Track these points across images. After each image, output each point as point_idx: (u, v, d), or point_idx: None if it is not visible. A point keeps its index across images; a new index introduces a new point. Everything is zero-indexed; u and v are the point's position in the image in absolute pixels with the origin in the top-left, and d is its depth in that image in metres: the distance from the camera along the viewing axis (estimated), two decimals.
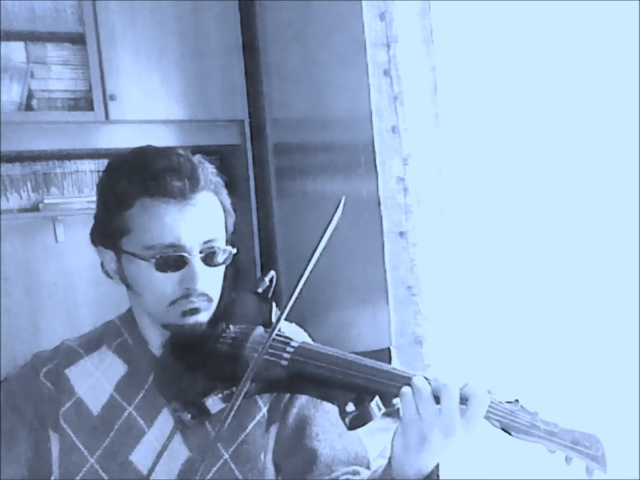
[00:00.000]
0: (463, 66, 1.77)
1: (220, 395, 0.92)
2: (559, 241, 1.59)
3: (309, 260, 0.91)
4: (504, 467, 1.49)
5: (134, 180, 1.01)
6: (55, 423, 1.07)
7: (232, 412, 0.85)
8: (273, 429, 1.06)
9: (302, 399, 1.06)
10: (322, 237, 0.91)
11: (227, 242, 1.07)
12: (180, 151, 1.05)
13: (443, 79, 1.83)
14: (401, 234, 1.91)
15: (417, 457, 0.85)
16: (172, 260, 1.00)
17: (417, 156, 1.86)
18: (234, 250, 1.07)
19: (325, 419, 1.06)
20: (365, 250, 2.16)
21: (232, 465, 1.04)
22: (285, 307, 0.91)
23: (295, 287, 0.90)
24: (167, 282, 1.01)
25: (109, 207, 1.04)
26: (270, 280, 1.04)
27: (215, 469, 1.03)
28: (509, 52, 1.64)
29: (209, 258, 1.02)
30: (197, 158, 1.05)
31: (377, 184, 1.96)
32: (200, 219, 1.01)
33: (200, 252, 1.01)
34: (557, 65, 1.54)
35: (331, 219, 0.93)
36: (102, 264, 1.08)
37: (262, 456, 1.05)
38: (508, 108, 1.66)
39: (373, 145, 1.95)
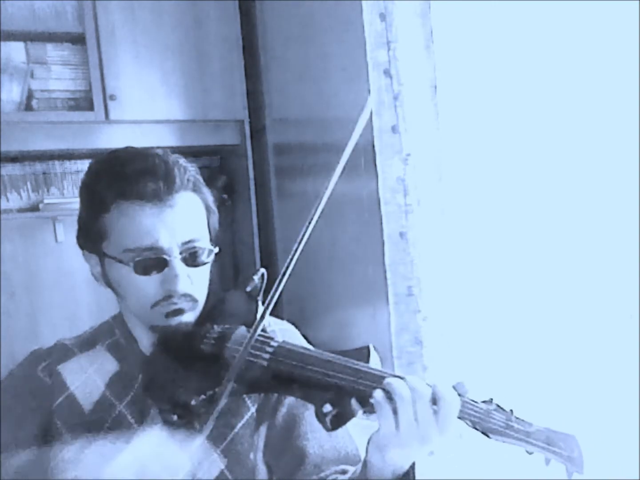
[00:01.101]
0: (463, 66, 1.77)
1: (203, 396, 0.92)
2: (560, 241, 1.59)
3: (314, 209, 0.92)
4: (484, 467, 1.49)
5: (109, 184, 1.01)
6: (50, 418, 1.07)
7: (214, 417, 0.87)
8: (262, 429, 1.07)
9: (291, 398, 1.06)
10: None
11: (212, 240, 1.07)
12: (157, 151, 1.05)
13: (443, 79, 1.83)
14: (401, 234, 1.91)
15: (392, 461, 0.86)
16: (152, 263, 1.00)
17: (417, 156, 1.86)
18: (216, 249, 1.06)
19: (314, 418, 1.06)
20: (365, 250, 2.16)
21: (221, 464, 1.04)
22: (267, 305, 0.90)
23: (284, 273, 0.90)
24: (148, 285, 1.01)
25: (89, 211, 1.05)
26: (261, 279, 1.04)
27: None
28: (509, 52, 1.64)
29: (190, 258, 1.02)
30: (173, 158, 1.05)
31: (377, 184, 1.96)
32: (178, 220, 1.01)
33: (181, 253, 1.01)
34: (558, 65, 1.54)
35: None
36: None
37: (251, 456, 1.05)
38: (509, 108, 1.66)
39: (373, 145, 1.95)
